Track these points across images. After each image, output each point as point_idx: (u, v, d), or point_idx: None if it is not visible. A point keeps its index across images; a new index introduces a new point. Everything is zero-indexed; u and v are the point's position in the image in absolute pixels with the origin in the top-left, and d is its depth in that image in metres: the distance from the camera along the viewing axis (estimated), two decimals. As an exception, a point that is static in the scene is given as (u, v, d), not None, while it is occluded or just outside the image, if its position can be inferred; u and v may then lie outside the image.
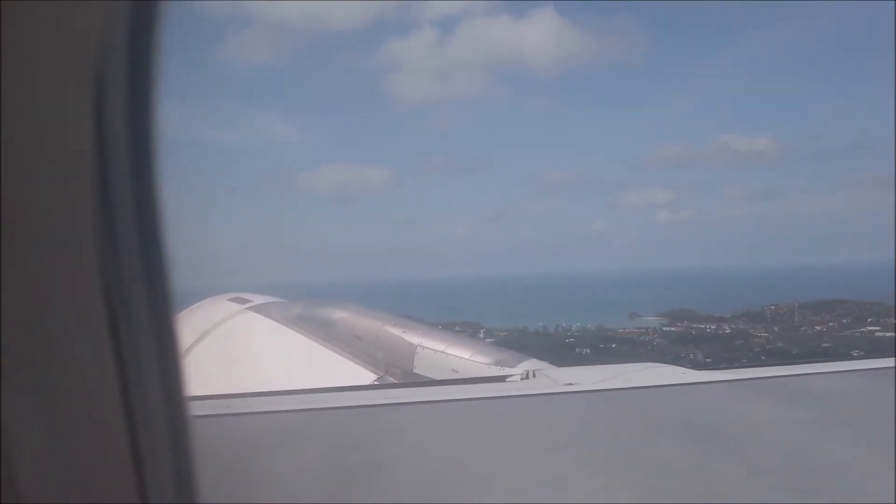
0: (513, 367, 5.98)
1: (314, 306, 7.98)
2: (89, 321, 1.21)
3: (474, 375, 6.18)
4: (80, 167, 1.22)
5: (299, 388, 5.35)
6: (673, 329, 74.00)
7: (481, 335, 70.10)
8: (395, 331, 7.36)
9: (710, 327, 72.89)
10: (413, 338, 7.22)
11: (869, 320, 58.77)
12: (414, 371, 7.07)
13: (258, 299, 8.19)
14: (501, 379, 5.65)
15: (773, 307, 75.78)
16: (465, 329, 71.88)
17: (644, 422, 4.26)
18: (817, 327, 61.90)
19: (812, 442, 3.80)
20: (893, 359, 5.55)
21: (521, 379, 5.52)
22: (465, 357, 6.78)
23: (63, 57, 1.20)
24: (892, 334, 46.17)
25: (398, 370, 7.22)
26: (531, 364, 5.97)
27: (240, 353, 7.78)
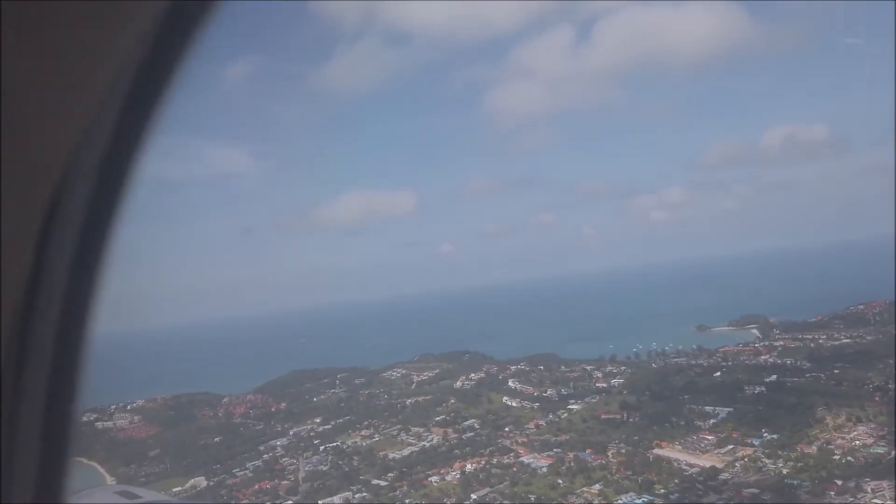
0: None
1: None
2: None
3: None
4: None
5: None
6: (783, 344, 59.75)
7: (599, 375, 58.50)
8: None
9: (820, 337, 59.27)
10: None
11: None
12: None
13: (147, 496, 7.72)
14: None
15: (861, 307, 64.85)
16: (549, 367, 59.88)
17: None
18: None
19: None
20: None
21: None
22: None
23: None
24: None
25: None
26: None
27: None
